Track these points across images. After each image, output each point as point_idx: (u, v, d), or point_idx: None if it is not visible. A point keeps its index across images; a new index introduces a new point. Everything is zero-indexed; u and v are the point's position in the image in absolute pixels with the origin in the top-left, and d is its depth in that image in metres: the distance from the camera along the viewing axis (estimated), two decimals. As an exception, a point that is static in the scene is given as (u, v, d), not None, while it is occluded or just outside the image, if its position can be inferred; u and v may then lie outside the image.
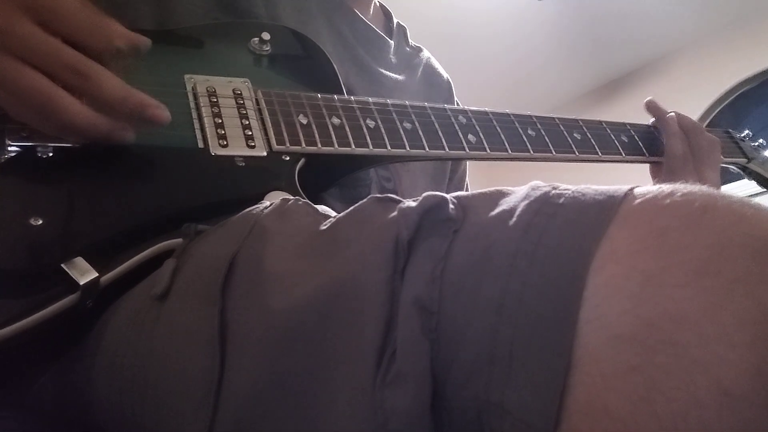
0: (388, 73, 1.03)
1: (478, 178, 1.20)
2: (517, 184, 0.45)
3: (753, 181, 1.25)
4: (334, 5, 0.99)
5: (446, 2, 3.29)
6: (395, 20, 1.14)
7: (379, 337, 0.39)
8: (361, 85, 0.93)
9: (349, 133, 0.76)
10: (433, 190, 0.46)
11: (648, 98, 1.14)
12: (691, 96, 3.41)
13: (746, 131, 1.26)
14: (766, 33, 3.41)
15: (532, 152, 0.90)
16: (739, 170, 1.24)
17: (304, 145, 0.73)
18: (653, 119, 1.12)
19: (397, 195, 0.51)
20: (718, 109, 3.50)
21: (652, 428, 0.30)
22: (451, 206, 0.44)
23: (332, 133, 0.75)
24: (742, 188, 2.81)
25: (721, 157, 1.10)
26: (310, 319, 0.42)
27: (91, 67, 0.58)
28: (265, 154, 0.71)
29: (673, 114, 1.09)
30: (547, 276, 0.36)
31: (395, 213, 0.45)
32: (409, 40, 1.15)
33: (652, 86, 3.74)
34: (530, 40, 3.62)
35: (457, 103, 1.12)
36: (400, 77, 1.05)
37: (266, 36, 0.83)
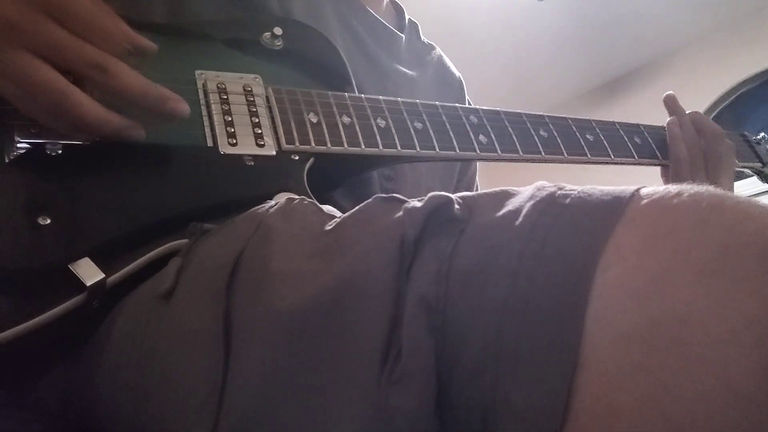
0: (399, 67, 1.02)
1: (482, 178, 1.19)
2: (521, 183, 0.44)
3: (767, 184, 1.24)
4: (345, 1, 0.99)
5: (447, 0, 3.29)
6: (407, 16, 1.14)
7: (385, 336, 0.39)
8: (370, 80, 0.93)
9: (359, 133, 0.76)
10: (439, 190, 0.46)
11: (668, 92, 1.12)
12: (692, 96, 3.38)
13: (762, 134, 1.25)
14: (766, 33, 3.39)
15: (543, 154, 0.89)
16: (753, 173, 1.23)
17: (313, 144, 0.73)
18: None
19: (397, 194, 0.51)
20: (718, 109, 3.49)
21: (659, 427, 0.30)
22: (457, 206, 0.44)
23: (342, 132, 0.75)
24: (746, 187, 2.81)
25: (736, 161, 1.09)
26: (315, 318, 0.42)
27: (110, 61, 0.59)
28: (274, 153, 0.70)
29: (675, 118, 1.07)
30: (553, 275, 0.36)
31: (401, 213, 0.45)
32: (422, 37, 1.15)
33: (652, 86, 3.73)
34: (530, 39, 3.62)
35: (469, 103, 1.11)
36: (411, 73, 1.04)
37: (278, 31, 0.82)
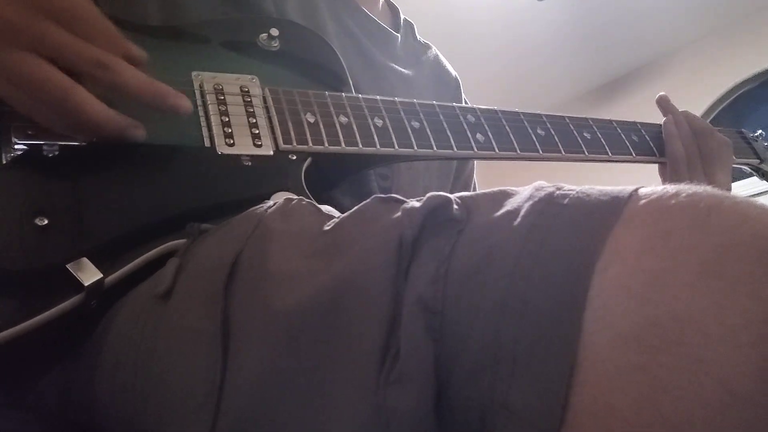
0: (395, 66, 1.02)
1: (480, 177, 1.19)
2: (520, 183, 0.44)
3: (765, 181, 1.24)
4: (340, 1, 0.99)
5: (447, 0, 3.29)
6: (402, 16, 1.14)
7: (383, 336, 0.39)
8: (366, 80, 0.93)
9: (356, 132, 0.76)
10: (436, 189, 0.46)
11: (661, 93, 1.12)
12: (691, 96, 3.39)
13: (760, 131, 1.25)
14: (766, 33, 3.39)
15: (541, 152, 0.89)
16: (751, 170, 1.23)
17: (310, 144, 0.73)
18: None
19: (393, 193, 0.51)
20: (718, 110, 3.50)
21: (657, 428, 0.30)
22: (455, 206, 0.44)
23: (339, 132, 0.75)
24: (745, 187, 2.81)
25: (734, 157, 1.09)
26: (313, 318, 0.42)
27: (112, 58, 0.59)
28: (271, 153, 0.70)
29: (671, 116, 1.08)
30: (552, 276, 0.36)
31: (399, 213, 0.45)
32: (417, 36, 1.15)
33: (652, 86, 3.73)
34: (530, 39, 3.61)
35: (466, 101, 1.11)
36: (407, 72, 1.04)
37: (275, 32, 0.82)
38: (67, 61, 0.57)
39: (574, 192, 0.41)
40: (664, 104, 1.11)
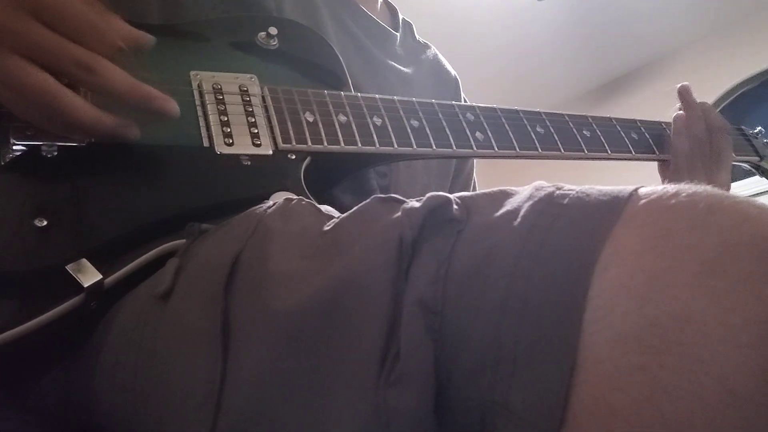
0: (394, 64, 1.02)
1: (480, 176, 1.19)
2: (520, 182, 0.44)
3: (764, 178, 1.24)
4: (339, 0, 0.99)
5: (447, 0, 3.29)
6: (401, 16, 1.14)
7: (383, 337, 0.39)
8: (365, 78, 0.93)
9: (355, 131, 0.76)
10: (435, 187, 0.46)
11: (684, 83, 1.10)
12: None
13: (759, 128, 1.24)
14: (766, 33, 3.39)
15: (540, 150, 0.89)
16: (751, 168, 1.22)
17: (310, 143, 0.72)
18: (677, 111, 1.09)
19: (391, 191, 0.50)
20: (718, 109, 3.49)
21: (658, 428, 0.30)
22: (455, 207, 0.44)
23: (339, 131, 0.75)
24: (746, 187, 2.81)
25: (733, 155, 1.09)
26: (313, 318, 0.42)
27: (96, 60, 0.58)
28: (270, 152, 0.70)
29: (683, 113, 1.07)
30: (552, 276, 0.36)
31: (399, 213, 0.45)
32: (416, 36, 1.15)
33: (652, 86, 3.73)
34: (530, 39, 3.62)
35: (465, 101, 1.11)
36: (406, 70, 1.04)
37: (273, 31, 0.82)
38: (50, 63, 0.57)
39: (574, 192, 0.41)
40: (685, 94, 1.09)
